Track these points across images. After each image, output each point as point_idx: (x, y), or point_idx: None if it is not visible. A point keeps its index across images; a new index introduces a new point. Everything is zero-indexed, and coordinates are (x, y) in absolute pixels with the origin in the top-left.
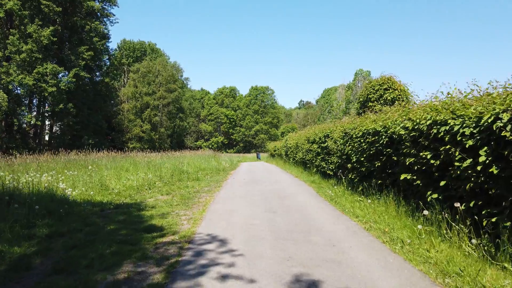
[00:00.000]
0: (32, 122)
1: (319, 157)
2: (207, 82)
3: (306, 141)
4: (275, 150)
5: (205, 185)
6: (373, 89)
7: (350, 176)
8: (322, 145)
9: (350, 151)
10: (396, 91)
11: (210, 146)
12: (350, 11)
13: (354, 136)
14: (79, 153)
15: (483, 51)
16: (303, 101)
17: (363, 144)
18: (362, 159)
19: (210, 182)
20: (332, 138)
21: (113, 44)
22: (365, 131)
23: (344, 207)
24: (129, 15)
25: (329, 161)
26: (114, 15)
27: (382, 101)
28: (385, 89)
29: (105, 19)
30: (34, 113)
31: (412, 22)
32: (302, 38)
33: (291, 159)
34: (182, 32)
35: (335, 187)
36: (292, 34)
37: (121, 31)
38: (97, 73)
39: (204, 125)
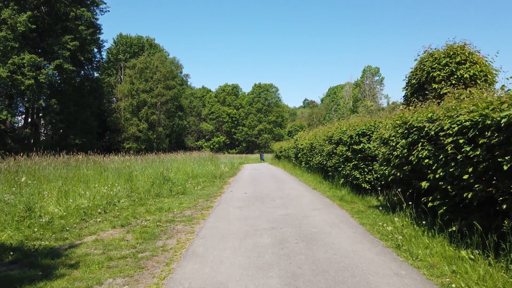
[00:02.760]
0: (8, 120)
1: (349, 164)
2: (209, 80)
3: (327, 142)
4: (281, 151)
5: (188, 204)
6: (439, 64)
7: (425, 202)
8: (355, 147)
9: (427, 160)
10: (477, 66)
11: (212, 146)
12: (355, 8)
13: (436, 133)
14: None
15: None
16: (307, 99)
17: (467, 149)
18: (465, 176)
19: (198, 199)
20: (375, 138)
21: (109, 38)
22: (477, 120)
23: (439, 272)
24: (128, 10)
25: (366, 170)
26: (104, 3)
27: (453, 81)
28: (458, 63)
29: (94, 7)
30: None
31: (417, 17)
32: (306, 35)
33: (303, 163)
34: (183, 28)
35: (395, 218)
36: (296, 31)
37: (119, 26)
38: (87, 67)
39: (205, 124)
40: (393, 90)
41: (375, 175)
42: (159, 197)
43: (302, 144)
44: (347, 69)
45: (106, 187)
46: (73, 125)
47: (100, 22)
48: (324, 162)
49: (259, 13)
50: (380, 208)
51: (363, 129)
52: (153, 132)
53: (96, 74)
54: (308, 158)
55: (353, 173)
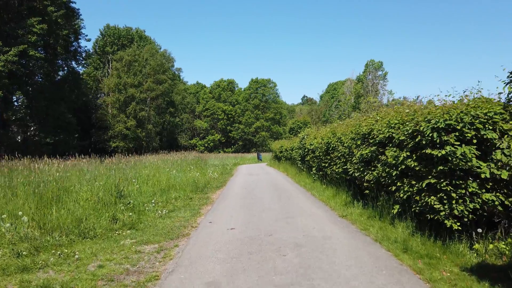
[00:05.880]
0: None
1: (415, 183)
2: (204, 75)
3: (360, 140)
4: (281, 152)
5: (117, 267)
6: None
7: None
8: (432, 152)
9: None
10: None
11: (206, 145)
12: (355, 4)
13: None
14: None
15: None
16: (306, 96)
17: None
18: None
19: (147, 244)
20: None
21: (95, 29)
22: None
23: None
24: (119, 1)
25: (455, 195)
26: None
27: None
28: None
29: None
30: None
31: (419, 11)
32: (304, 31)
33: (313, 169)
34: (176, 20)
35: None
36: (294, 27)
37: (109, 18)
38: (66, 57)
39: (199, 121)
40: (397, 86)
41: (471, 205)
42: (84, 239)
43: (312, 144)
44: (346, 65)
45: None
46: (45, 122)
47: (85, 12)
48: (356, 174)
49: (256, 5)
50: None
51: (448, 121)
52: (142, 129)
53: (79, 67)
54: (323, 164)
55: (427, 199)
